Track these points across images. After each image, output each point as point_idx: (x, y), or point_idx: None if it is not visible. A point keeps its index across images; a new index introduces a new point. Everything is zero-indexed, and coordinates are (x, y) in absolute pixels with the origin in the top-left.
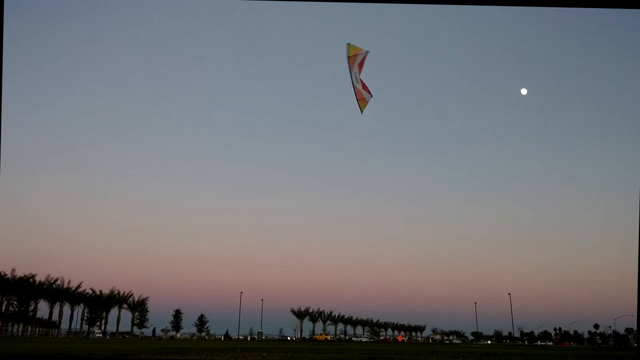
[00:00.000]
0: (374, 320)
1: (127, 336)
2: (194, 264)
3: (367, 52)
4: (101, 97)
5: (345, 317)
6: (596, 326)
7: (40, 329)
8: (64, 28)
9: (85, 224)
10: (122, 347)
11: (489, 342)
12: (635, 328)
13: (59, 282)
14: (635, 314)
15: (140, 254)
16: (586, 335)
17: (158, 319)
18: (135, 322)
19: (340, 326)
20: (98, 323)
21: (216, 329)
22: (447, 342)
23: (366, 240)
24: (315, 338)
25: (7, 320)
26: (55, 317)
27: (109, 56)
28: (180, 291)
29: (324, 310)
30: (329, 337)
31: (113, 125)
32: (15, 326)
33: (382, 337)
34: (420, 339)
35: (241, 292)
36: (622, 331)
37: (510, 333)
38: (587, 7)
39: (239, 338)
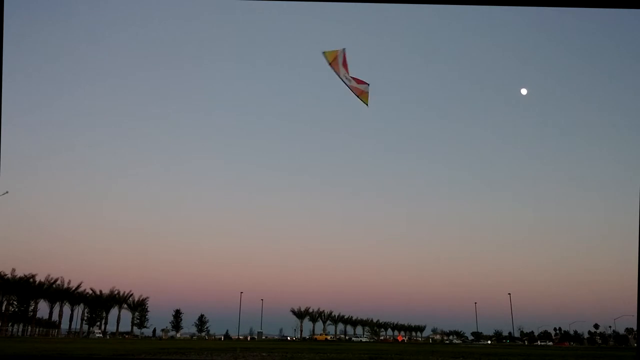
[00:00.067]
0: (374, 320)
1: (127, 336)
2: (194, 264)
3: (344, 49)
4: (101, 97)
5: (345, 317)
6: (596, 326)
7: (40, 329)
8: (64, 28)
9: (85, 224)
10: (122, 347)
11: (489, 342)
12: (635, 328)
13: (59, 282)
14: (635, 314)
15: (140, 254)
16: (586, 335)
17: (158, 319)
18: (135, 322)
19: (340, 326)
20: (98, 323)
21: (216, 329)
22: (447, 342)
23: (366, 240)
24: (315, 338)
25: (7, 320)
26: (55, 317)
27: (109, 56)
28: (180, 291)
29: (324, 310)
30: (329, 337)
31: (113, 125)
32: (15, 326)
33: (382, 337)
34: (420, 339)
35: (241, 292)
36: (622, 331)
37: (510, 333)
38: (587, 7)
39: (239, 338)
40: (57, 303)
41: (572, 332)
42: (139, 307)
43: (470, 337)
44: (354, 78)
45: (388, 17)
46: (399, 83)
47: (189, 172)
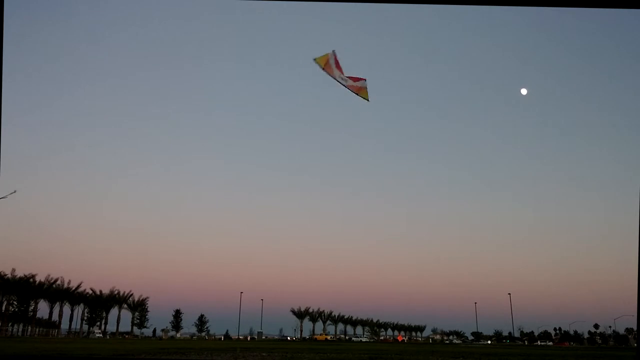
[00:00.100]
0: (374, 320)
1: (127, 336)
2: (194, 264)
3: (333, 51)
4: (101, 97)
5: (345, 317)
6: (596, 326)
7: (40, 329)
8: (64, 28)
9: (85, 224)
10: (122, 347)
11: (489, 342)
12: (635, 328)
13: (59, 282)
14: (635, 314)
15: (140, 254)
16: (586, 335)
17: (158, 319)
18: (135, 322)
19: (340, 326)
20: (98, 323)
21: (216, 329)
22: (447, 342)
23: (366, 240)
24: (315, 338)
25: (7, 320)
26: (55, 317)
27: (109, 56)
28: (180, 291)
29: (324, 310)
30: (329, 337)
31: (113, 125)
32: (15, 326)
33: (382, 337)
34: (420, 339)
35: (241, 292)
36: (622, 331)
37: (510, 333)
38: (587, 7)
39: (239, 338)
40: (57, 303)
41: (572, 332)
42: (139, 307)
43: (470, 337)
44: (349, 77)
45: (388, 17)
46: (399, 83)
47: (189, 172)
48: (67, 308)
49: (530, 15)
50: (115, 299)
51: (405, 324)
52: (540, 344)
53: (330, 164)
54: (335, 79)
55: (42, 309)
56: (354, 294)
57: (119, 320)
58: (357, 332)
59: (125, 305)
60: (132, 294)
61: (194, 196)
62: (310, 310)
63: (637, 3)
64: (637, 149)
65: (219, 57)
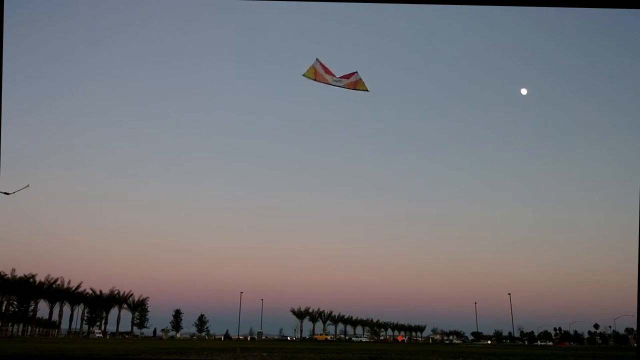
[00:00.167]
0: (374, 320)
1: (127, 336)
2: (194, 264)
3: (317, 59)
4: (101, 97)
5: (345, 317)
6: (596, 326)
7: (40, 329)
8: (64, 28)
9: (85, 224)
10: (122, 347)
11: (489, 342)
12: (635, 328)
13: (59, 282)
14: (635, 314)
15: (140, 254)
16: (586, 335)
17: (158, 319)
18: (135, 322)
19: (340, 326)
20: (98, 323)
21: (216, 329)
22: (447, 342)
23: (366, 240)
24: (315, 338)
25: (7, 320)
26: (55, 317)
27: (109, 56)
28: (180, 291)
29: (324, 310)
30: (329, 337)
31: (113, 125)
32: (15, 326)
33: (382, 337)
34: (420, 339)
35: (241, 292)
36: (622, 331)
37: (510, 333)
38: (587, 7)
39: (239, 338)
40: (57, 303)
41: (572, 332)
42: (139, 307)
43: (470, 337)
44: (341, 77)
45: (388, 17)
46: (399, 83)
47: (189, 172)
48: (67, 308)
49: (530, 15)
50: (115, 299)
51: (405, 324)
52: (540, 344)
53: (330, 164)
54: (330, 84)
55: (42, 309)
56: (354, 294)
57: (119, 320)
58: (357, 332)
59: (125, 305)
60: (132, 294)
61: (194, 196)
62: (310, 310)
63: (637, 3)
64: (637, 149)
65: (219, 57)
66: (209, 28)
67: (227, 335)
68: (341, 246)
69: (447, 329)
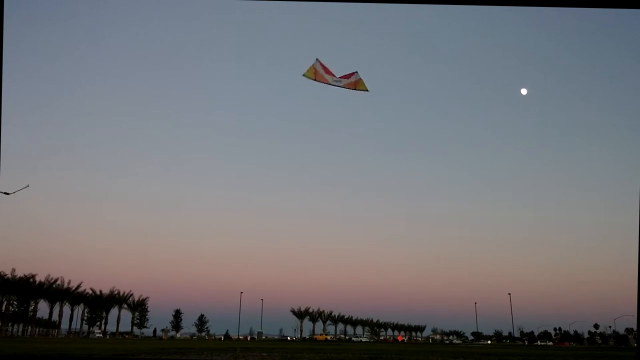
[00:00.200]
0: (374, 320)
1: (127, 336)
2: (194, 264)
3: (317, 59)
4: (101, 97)
5: (345, 317)
6: (596, 326)
7: (40, 329)
8: (64, 28)
9: (85, 224)
10: (122, 347)
11: (489, 342)
12: (635, 328)
13: (59, 282)
14: (635, 314)
15: (140, 254)
16: (586, 335)
17: (158, 319)
18: (135, 322)
19: (340, 326)
20: (98, 323)
21: (216, 329)
22: (447, 342)
23: (366, 240)
24: (315, 338)
25: (7, 320)
26: (55, 317)
27: (109, 56)
28: (180, 291)
29: (324, 310)
30: (329, 337)
31: (113, 125)
32: (15, 326)
33: (382, 337)
34: (420, 339)
35: (241, 292)
36: (622, 331)
37: (510, 333)
38: (587, 7)
39: (239, 338)
40: (57, 303)
41: (572, 332)
42: (139, 307)
43: (470, 337)
44: (341, 77)
45: (388, 17)
46: (399, 83)
47: (189, 172)
48: (67, 308)
49: (530, 15)
50: (115, 299)
51: (405, 324)
52: (540, 344)
53: (330, 164)
54: (330, 84)
55: (42, 309)
56: (354, 294)
57: (119, 320)
58: (357, 332)
59: (125, 305)
60: (132, 294)
61: (194, 196)
62: (310, 310)
63: (637, 3)
64: (637, 149)
65: (219, 57)
66: (209, 28)
67: (227, 335)
68: (341, 246)
69: (447, 329)
